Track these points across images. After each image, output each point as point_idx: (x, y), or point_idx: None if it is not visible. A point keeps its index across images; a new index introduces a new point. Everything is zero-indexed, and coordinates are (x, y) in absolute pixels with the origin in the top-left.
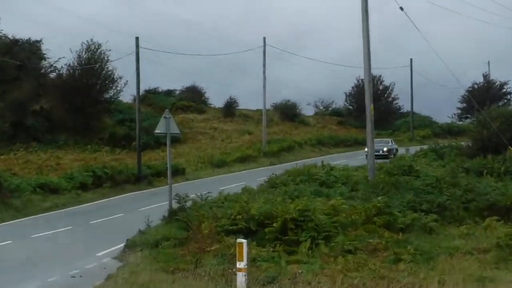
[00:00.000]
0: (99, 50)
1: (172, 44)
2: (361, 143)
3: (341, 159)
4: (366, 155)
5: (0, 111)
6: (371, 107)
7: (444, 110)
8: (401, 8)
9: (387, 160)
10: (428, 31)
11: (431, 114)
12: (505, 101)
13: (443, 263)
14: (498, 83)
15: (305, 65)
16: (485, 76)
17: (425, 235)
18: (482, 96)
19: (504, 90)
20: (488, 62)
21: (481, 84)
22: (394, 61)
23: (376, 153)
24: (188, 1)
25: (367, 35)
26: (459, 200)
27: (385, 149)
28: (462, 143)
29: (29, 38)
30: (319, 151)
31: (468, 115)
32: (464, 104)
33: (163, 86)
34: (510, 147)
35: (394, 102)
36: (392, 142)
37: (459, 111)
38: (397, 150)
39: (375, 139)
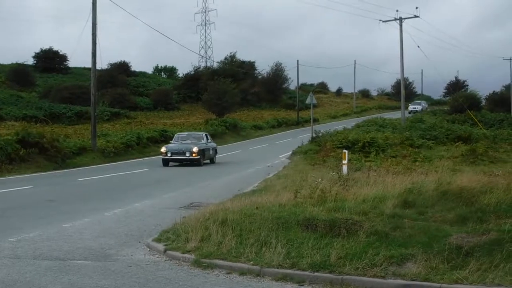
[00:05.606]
0: (281, 66)
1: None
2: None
3: (390, 115)
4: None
5: (235, 93)
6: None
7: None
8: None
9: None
10: None
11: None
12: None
13: (436, 162)
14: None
15: None
16: None
17: (428, 149)
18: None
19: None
20: None
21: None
22: None
23: (179, 157)
24: None
25: None
26: (444, 133)
27: (194, 149)
28: (445, 108)
29: (249, 61)
30: (380, 112)
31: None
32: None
33: (309, 81)
34: (468, 110)
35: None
36: (207, 138)
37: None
38: (216, 151)
39: (179, 133)
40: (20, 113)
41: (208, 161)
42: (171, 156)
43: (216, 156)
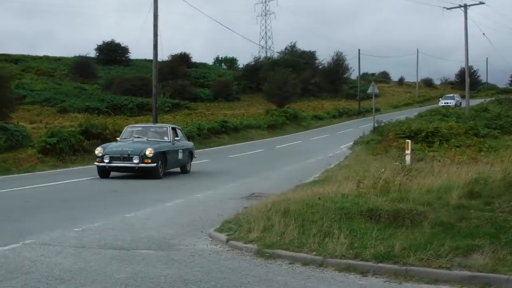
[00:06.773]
0: (342, 55)
1: None
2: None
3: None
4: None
5: (295, 83)
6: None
7: None
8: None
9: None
10: None
11: None
12: None
13: (503, 152)
14: None
15: None
16: None
17: (494, 139)
18: None
19: None
20: None
21: None
22: None
23: (123, 164)
24: None
25: None
26: (510, 123)
27: (147, 152)
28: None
29: (310, 50)
30: None
31: None
32: None
33: (371, 71)
34: None
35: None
36: (175, 135)
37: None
38: (191, 154)
39: (131, 126)
40: (83, 105)
41: (178, 169)
42: (109, 162)
43: (192, 161)
